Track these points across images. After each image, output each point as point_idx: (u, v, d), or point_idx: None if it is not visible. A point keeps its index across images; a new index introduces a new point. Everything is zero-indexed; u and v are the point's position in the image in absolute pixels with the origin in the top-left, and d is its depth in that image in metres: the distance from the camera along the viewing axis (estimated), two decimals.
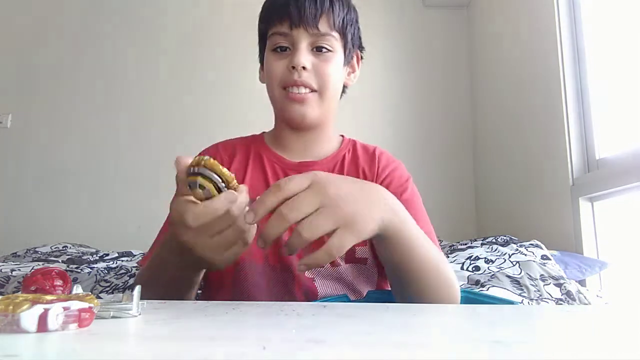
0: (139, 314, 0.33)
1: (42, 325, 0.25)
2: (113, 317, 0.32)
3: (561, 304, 1.14)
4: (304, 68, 0.70)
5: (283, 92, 0.72)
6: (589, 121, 1.54)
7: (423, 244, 0.55)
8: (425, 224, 0.74)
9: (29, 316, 0.25)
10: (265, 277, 0.70)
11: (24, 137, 2.35)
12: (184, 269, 0.55)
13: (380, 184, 0.76)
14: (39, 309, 0.25)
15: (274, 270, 0.70)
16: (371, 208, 0.47)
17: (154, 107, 2.42)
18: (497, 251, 1.39)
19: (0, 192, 2.29)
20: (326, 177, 0.46)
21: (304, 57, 0.70)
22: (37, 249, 1.82)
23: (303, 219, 0.42)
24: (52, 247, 1.87)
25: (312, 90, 0.72)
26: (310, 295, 0.68)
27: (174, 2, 2.54)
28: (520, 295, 1.16)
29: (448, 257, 1.44)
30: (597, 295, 1.27)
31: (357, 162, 0.79)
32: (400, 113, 2.42)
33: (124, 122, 2.39)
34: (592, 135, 1.52)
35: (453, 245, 1.63)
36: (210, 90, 2.43)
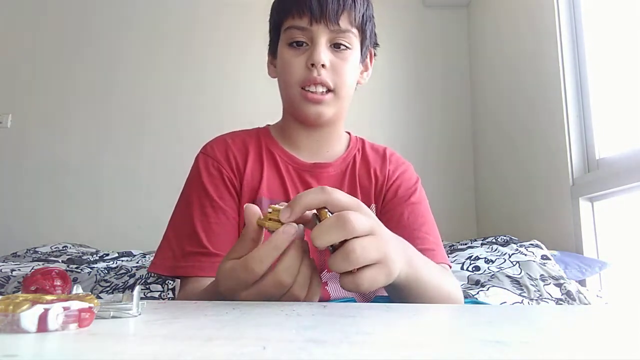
0: (139, 314, 0.33)
1: (42, 325, 0.25)
2: (113, 317, 0.32)
3: (561, 304, 1.14)
4: (323, 66, 0.68)
5: (300, 91, 0.69)
6: (589, 121, 1.54)
7: (431, 281, 0.54)
8: (431, 228, 0.73)
9: (29, 316, 0.25)
10: None
11: (24, 137, 2.35)
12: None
13: (391, 185, 0.76)
14: (39, 309, 0.25)
15: None
16: (399, 264, 0.47)
17: (154, 107, 2.42)
18: (497, 251, 1.39)
19: (0, 192, 2.29)
20: (386, 232, 0.46)
21: (324, 54, 0.68)
22: (37, 249, 1.83)
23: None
24: (52, 247, 1.87)
25: (329, 90, 0.70)
26: (323, 299, 0.68)
27: (172, 2, 2.54)
28: (520, 295, 1.16)
29: (448, 257, 1.44)
30: (597, 295, 1.27)
31: (368, 163, 0.78)
32: (400, 113, 2.42)
33: (123, 122, 2.40)
34: (592, 135, 1.53)
35: (453, 245, 1.63)
36: (209, 89, 2.43)
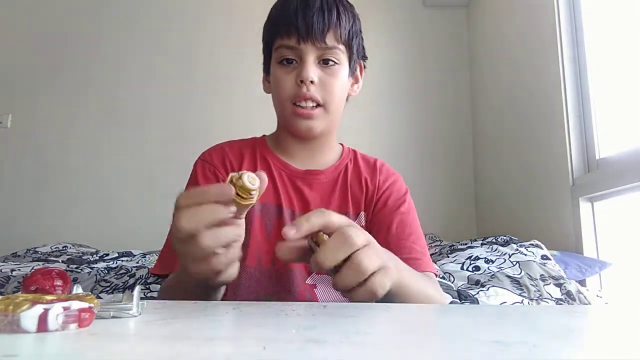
0: (139, 314, 0.33)
1: (42, 325, 0.25)
2: (113, 317, 0.32)
3: (561, 304, 1.14)
4: (311, 82, 0.71)
5: (292, 107, 0.73)
6: (589, 121, 1.54)
7: (414, 285, 0.56)
8: (418, 238, 0.75)
9: (29, 316, 0.25)
10: (266, 282, 0.70)
11: (24, 137, 2.35)
12: (197, 287, 0.54)
13: (381, 195, 0.79)
14: (39, 309, 0.25)
15: (276, 276, 0.70)
16: (394, 268, 0.50)
17: (154, 107, 2.42)
18: (497, 251, 1.39)
19: (0, 192, 2.29)
20: (375, 242, 0.49)
21: (312, 71, 0.71)
22: (37, 249, 1.82)
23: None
24: (52, 247, 1.87)
25: (318, 105, 0.72)
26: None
27: (174, 4, 2.54)
28: (520, 295, 1.16)
29: (448, 256, 1.44)
30: (597, 295, 1.27)
31: (360, 172, 0.80)
32: (400, 113, 2.42)
33: (123, 122, 2.40)
34: (592, 135, 1.52)
35: (453, 245, 1.63)
36: (209, 91, 2.43)
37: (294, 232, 0.44)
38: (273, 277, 0.70)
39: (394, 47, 2.46)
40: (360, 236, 0.45)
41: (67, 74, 2.42)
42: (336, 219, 0.47)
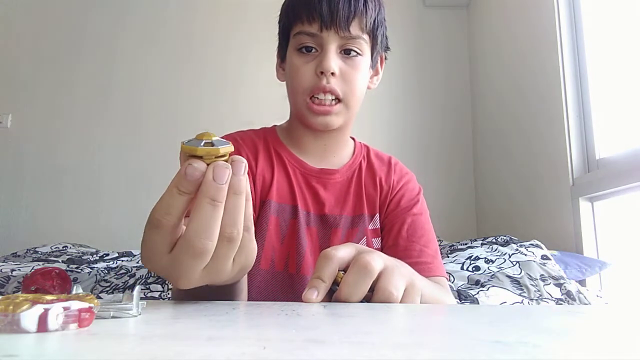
0: (139, 314, 0.33)
1: (42, 325, 0.25)
2: (113, 317, 0.32)
3: (561, 304, 1.14)
4: (332, 74, 0.67)
5: (309, 100, 0.69)
6: (589, 121, 1.54)
7: (429, 296, 0.55)
8: (430, 240, 0.73)
9: (29, 316, 0.25)
10: (279, 285, 0.69)
11: (24, 137, 2.35)
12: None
13: (394, 195, 0.77)
14: (39, 309, 0.25)
15: (288, 280, 0.70)
16: (415, 278, 0.50)
17: (154, 106, 2.42)
18: (497, 251, 1.39)
19: (0, 192, 2.29)
20: (391, 259, 0.47)
21: (333, 61, 0.67)
22: (37, 249, 1.82)
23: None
24: (52, 247, 1.87)
25: (338, 100, 0.69)
26: None
27: (173, 1, 2.54)
28: (520, 295, 1.16)
29: (448, 257, 1.44)
30: (597, 295, 1.27)
31: (374, 171, 0.78)
32: (400, 113, 2.42)
33: (123, 122, 2.40)
34: (592, 135, 1.53)
35: (453, 245, 1.63)
36: (208, 89, 2.43)
37: (316, 296, 0.42)
38: (285, 281, 0.69)
39: (393, 47, 2.44)
40: (375, 260, 0.43)
41: (66, 73, 2.43)
42: (345, 252, 0.45)
